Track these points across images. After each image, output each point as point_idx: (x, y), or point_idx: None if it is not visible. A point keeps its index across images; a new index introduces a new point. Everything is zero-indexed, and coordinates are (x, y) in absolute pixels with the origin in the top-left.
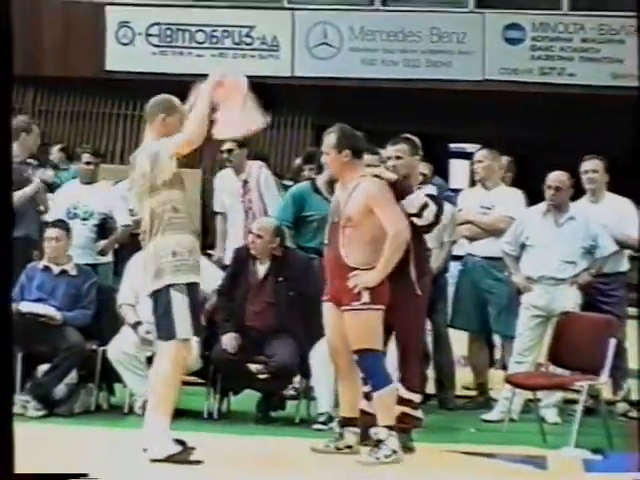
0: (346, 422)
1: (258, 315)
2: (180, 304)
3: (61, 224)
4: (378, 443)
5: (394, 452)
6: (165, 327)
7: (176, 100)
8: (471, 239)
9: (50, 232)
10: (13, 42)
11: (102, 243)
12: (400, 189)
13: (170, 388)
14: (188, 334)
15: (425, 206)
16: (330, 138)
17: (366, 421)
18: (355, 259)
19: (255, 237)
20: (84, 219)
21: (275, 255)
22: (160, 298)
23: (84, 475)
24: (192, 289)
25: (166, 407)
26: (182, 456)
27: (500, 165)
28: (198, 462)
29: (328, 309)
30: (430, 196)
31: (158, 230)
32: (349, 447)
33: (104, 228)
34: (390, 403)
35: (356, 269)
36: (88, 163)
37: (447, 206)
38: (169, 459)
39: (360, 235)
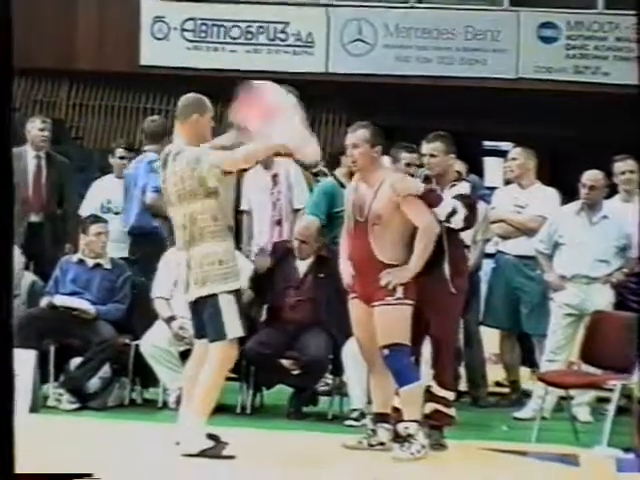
0: (379, 418)
1: (295, 309)
2: (229, 308)
3: (101, 219)
4: (408, 438)
5: (423, 447)
6: (215, 330)
7: (207, 100)
8: (504, 237)
9: (94, 228)
10: (13, 31)
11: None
12: (428, 200)
13: (215, 388)
14: (239, 332)
15: (453, 213)
16: (363, 132)
17: (399, 418)
18: (387, 256)
19: (300, 243)
20: (117, 213)
21: (318, 254)
22: (208, 304)
23: (87, 475)
24: (237, 292)
25: (207, 406)
26: (215, 451)
27: (535, 163)
28: (231, 457)
29: (356, 306)
30: (461, 196)
31: (199, 237)
32: (382, 444)
33: None
34: (417, 399)
35: (389, 265)
36: (122, 158)
37: (481, 204)
38: (202, 454)
39: (390, 232)
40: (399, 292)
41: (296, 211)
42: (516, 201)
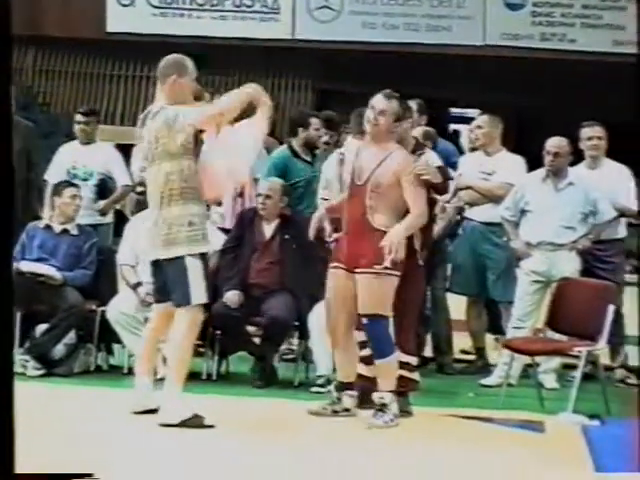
0: (343, 387)
1: (262, 273)
2: (195, 271)
3: (75, 184)
4: (383, 407)
5: (396, 416)
6: (181, 293)
7: (188, 61)
8: (470, 204)
9: (69, 191)
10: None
11: (102, 203)
12: (438, 188)
13: (187, 353)
14: (203, 299)
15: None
16: (394, 104)
17: (365, 385)
18: (380, 221)
19: (264, 198)
20: (84, 179)
21: (283, 214)
22: (174, 266)
23: (88, 475)
24: (204, 257)
25: (182, 372)
26: (196, 420)
27: (500, 131)
28: (211, 426)
29: (337, 276)
30: (438, 167)
31: (170, 198)
32: (346, 410)
33: (104, 188)
34: (394, 370)
35: (379, 231)
36: (79, 122)
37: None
38: (183, 424)
39: (386, 201)
40: (387, 261)
41: (256, 180)
42: (482, 168)
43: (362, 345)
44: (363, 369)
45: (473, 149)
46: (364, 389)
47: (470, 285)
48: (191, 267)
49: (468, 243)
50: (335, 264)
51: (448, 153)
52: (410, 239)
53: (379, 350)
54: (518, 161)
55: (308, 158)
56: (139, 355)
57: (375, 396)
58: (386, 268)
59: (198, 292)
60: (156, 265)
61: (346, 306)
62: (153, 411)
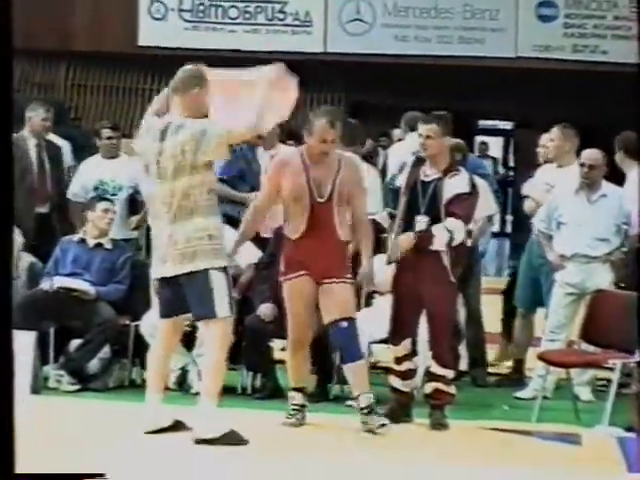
0: (301, 391)
1: None
2: (220, 285)
3: (108, 198)
4: (370, 410)
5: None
6: (205, 307)
7: (205, 71)
8: (529, 215)
9: (102, 205)
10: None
11: (134, 219)
12: (421, 242)
13: (221, 368)
14: (228, 312)
15: (451, 238)
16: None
17: (400, 400)
18: (345, 235)
19: None
20: (113, 194)
21: None
22: (196, 280)
23: (88, 475)
24: (226, 270)
25: (216, 386)
26: (233, 436)
27: (573, 144)
28: (245, 442)
29: (303, 283)
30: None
31: (189, 212)
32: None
33: (134, 202)
34: (365, 373)
35: (344, 242)
36: (110, 138)
37: (481, 182)
38: (219, 440)
39: (345, 212)
40: (350, 271)
41: None
42: (547, 179)
43: (399, 360)
44: (399, 383)
45: (546, 161)
46: (400, 403)
47: (527, 297)
48: (215, 280)
49: (527, 256)
50: (300, 272)
51: (476, 165)
52: (438, 256)
53: (353, 353)
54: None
55: None
56: (150, 373)
57: (360, 401)
58: (350, 277)
59: (223, 305)
60: (166, 280)
61: (311, 313)
62: (166, 429)
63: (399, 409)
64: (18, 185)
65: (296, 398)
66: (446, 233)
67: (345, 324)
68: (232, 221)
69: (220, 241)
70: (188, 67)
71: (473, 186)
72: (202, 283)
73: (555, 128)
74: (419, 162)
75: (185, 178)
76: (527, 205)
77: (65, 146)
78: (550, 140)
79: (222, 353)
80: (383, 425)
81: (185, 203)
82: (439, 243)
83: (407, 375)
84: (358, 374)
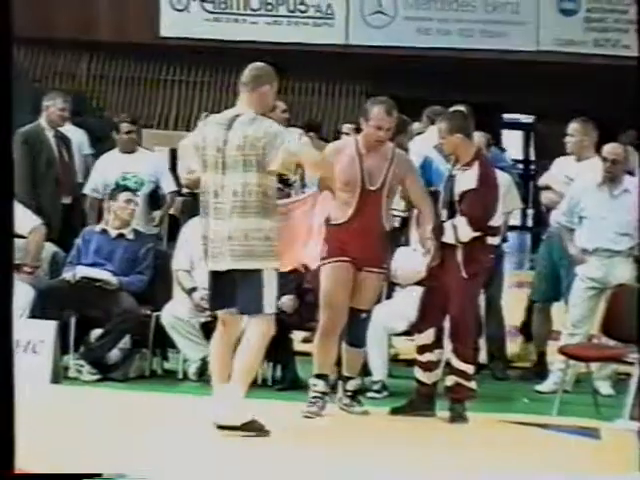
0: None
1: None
2: (270, 284)
3: (131, 189)
4: (354, 395)
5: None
6: (252, 303)
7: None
8: (549, 208)
9: (124, 195)
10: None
11: (157, 215)
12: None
13: (256, 359)
14: (274, 309)
15: (455, 232)
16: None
17: (421, 391)
18: (389, 225)
19: None
20: (136, 190)
21: None
22: (249, 277)
23: (88, 475)
24: (276, 270)
25: (248, 378)
26: (255, 425)
27: (592, 138)
28: (267, 432)
29: (344, 269)
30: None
31: (249, 209)
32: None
33: (155, 197)
34: (361, 360)
35: (385, 232)
36: (129, 132)
37: (503, 176)
38: (242, 427)
39: (391, 203)
40: (387, 262)
41: None
42: (567, 172)
43: (422, 350)
44: (420, 374)
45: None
46: (420, 394)
47: (547, 291)
48: (267, 280)
49: (547, 249)
50: (343, 258)
51: (496, 159)
52: (454, 251)
53: (361, 340)
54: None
55: None
56: (214, 366)
57: (350, 384)
58: (385, 268)
59: (270, 302)
60: (218, 273)
61: (347, 298)
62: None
63: (420, 401)
64: (45, 176)
65: (319, 385)
66: (451, 229)
67: (365, 315)
68: None
69: (275, 243)
70: (258, 64)
71: (483, 181)
72: (254, 281)
73: (574, 122)
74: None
75: (248, 174)
76: (545, 196)
77: (81, 135)
78: (570, 135)
79: (261, 347)
80: (365, 412)
81: (243, 200)
82: (447, 237)
83: (429, 367)
84: (355, 359)
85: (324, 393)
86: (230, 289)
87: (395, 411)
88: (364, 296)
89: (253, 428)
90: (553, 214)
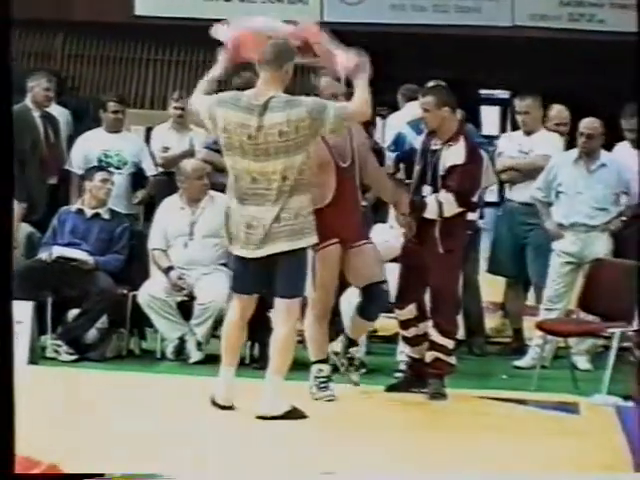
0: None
1: None
2: (308, 264)
3: (107, 169)
4: (358, 366)
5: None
6: (293, 286)
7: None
8: (510, 183)
9: (100, 174)
10: None
11: (140, 194)
12: (415, 207)
13: (292, 345)
14: (306, 290)
15: (441, 209)
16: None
17: (413, 366)
18: (361, 199)
19: None
20: (118, 167)
21: None
22: (294, 258)
23: (87, 475)
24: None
25: (285, 363)
26: (296, 413)
27: (542, 111)
28: (305, 416)
29: (336, 251)
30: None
31: (297, 190)
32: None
33: (138, 177)
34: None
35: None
36: (116, 112)
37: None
38: (285, 416)
39: (360, 177)
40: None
41: None
42: (521, 147)
43: (405, 325)
44: (408, 350)
45: (508, 129)
46: (413, 371)
47: (509, 266)
48: (308, 259)
49: (507, 224)
50: (333, 240)
51: (472, 135)
52: (433, 226)
53: (377, 313)
54: (555, 138)
55: None
56: (225, 347)
57: (352, 351)
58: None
59: (306, 285)
60: (255, 259)
61: (336, 280)
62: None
63: (412, 377)
64: (30, 157)
65: (324, 370)
66: (435, 204)
67: (383, 287)
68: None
69: (313, 218)
70: (279, 41)
71: (470, 156)
72: (298, 261)
73: (527, 99)
74: (430, 134)
75: (295, 157)
76: (508, 174)
77: (66, 115)
78: (525, 113)
79: (293, 329)
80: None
81: (297, 179)
82: (430, 213)
83: (417, 341)
84: (364, 328)
85: (329, 376)
86: (264, 273)
87: (390, 388)
88: (371, 265)
89: (294, 416)
90: (515, 189)
